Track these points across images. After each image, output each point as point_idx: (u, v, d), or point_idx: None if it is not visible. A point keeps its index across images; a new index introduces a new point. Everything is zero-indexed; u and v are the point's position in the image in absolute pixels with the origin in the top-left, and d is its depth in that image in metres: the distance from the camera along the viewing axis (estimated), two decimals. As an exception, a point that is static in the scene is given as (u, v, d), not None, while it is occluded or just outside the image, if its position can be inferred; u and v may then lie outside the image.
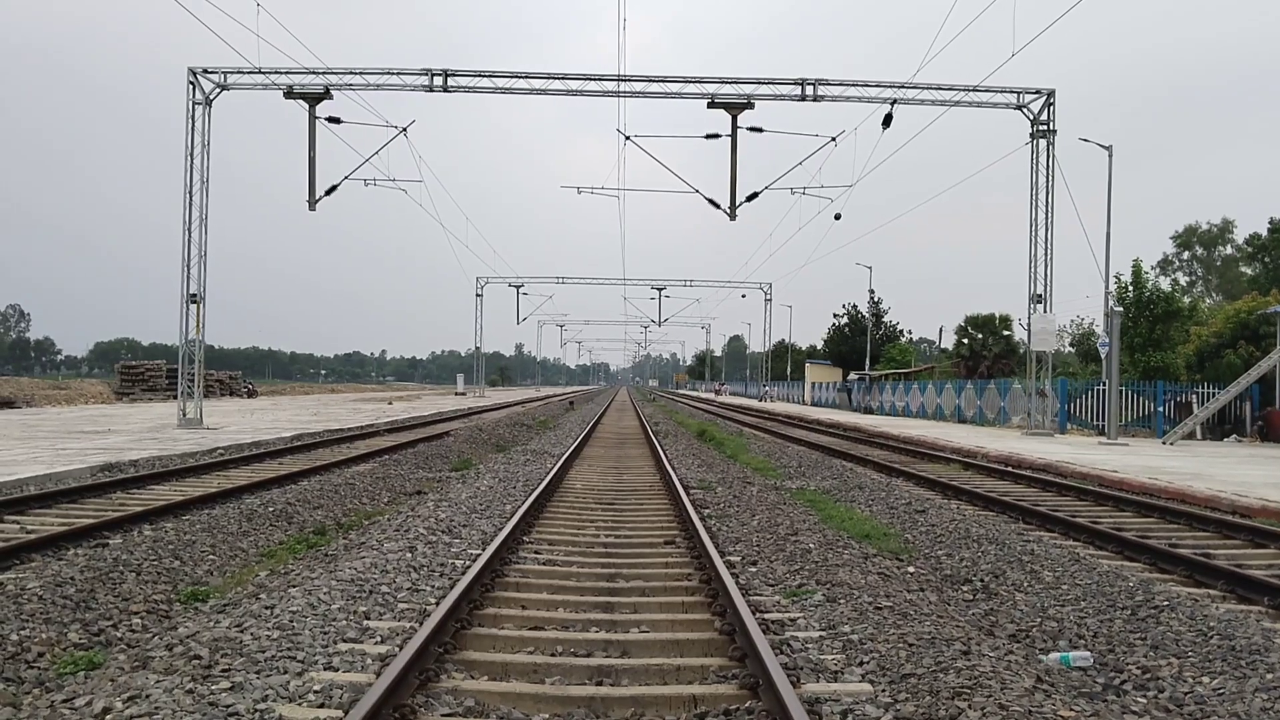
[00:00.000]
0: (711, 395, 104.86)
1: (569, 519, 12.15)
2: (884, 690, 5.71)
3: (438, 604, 7.32)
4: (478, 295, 74.66)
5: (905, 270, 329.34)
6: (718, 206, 27.12)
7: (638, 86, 28.01)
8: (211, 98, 28.05)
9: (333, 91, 27.94)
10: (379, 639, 6.62)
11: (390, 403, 55.04)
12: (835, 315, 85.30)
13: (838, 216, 32.27)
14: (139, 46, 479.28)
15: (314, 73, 28.13)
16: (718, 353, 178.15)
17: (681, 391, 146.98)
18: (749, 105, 26.67)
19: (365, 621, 6.98)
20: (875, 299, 77.77)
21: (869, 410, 53.12)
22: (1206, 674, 6.31)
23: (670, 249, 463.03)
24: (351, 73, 28.28)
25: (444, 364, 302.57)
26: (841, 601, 7.72)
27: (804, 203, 42.10)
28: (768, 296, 77.64)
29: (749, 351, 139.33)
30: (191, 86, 27.87)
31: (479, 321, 74.96)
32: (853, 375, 61.42)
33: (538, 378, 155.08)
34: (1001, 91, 29.06)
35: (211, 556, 9.55)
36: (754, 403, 73.39)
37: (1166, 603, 7.86)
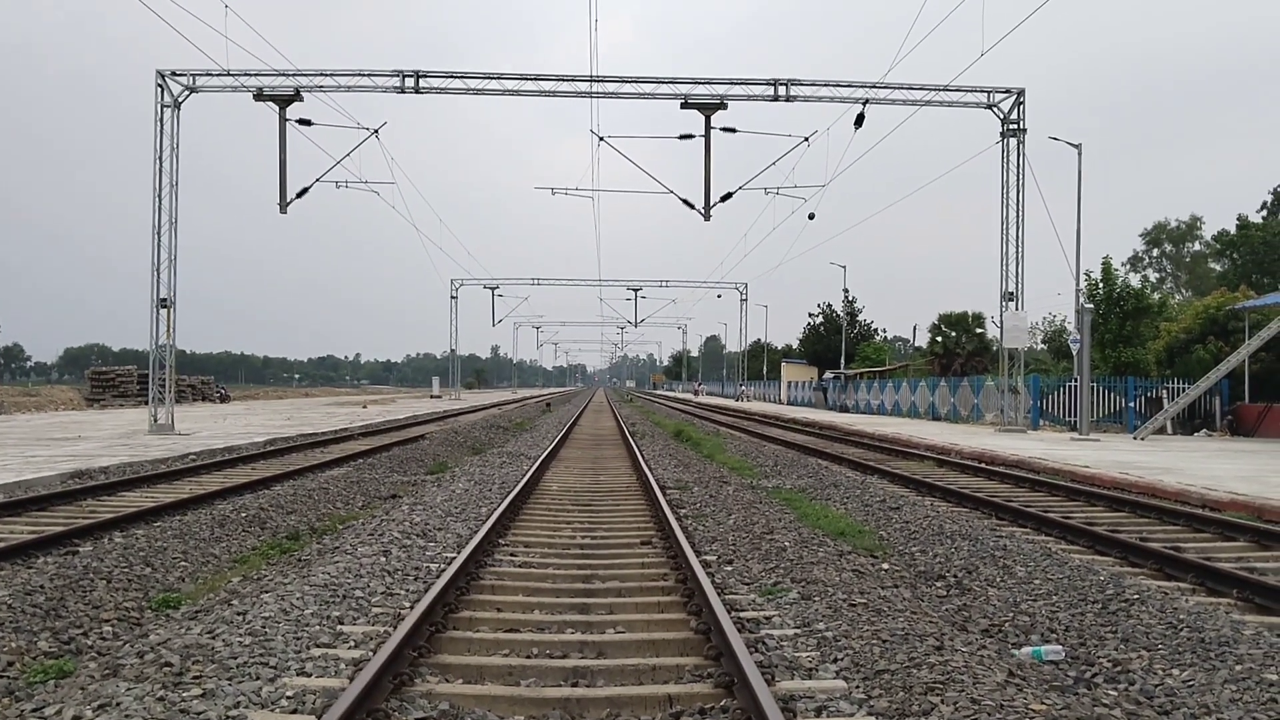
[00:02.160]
0: (690, 396, 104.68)
1: (545, 521, 12.12)
2: (858, 686, 5.75)
3: (412, 608, 7.29)
4: (452, 297, 74.59)
5: (879, 270, 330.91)
6: (692, 207, 27.17)
7: (610, 87, 28.03)
8: (180, 100, 27.83)
9: (303, 93, 27.79)
10: (352, 644, 6.59)
11: (365, 406, 54.56)
12: (810, 315, 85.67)
13: (811, 216, 32.53)
14: (115, 41, 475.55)
15: (283, 74, 27.97)
16: (695, 353, 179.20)
17: (659, 392, 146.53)
18: (722, 106, 26.76)
19: (339, 626, 6.94)
20: (850, 298, 78.31)
21: (845, 409, 53.29)
22: (1177, 666, 6.38)
23: (646, 250, 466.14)
24: (321, 74, 28.13)
25: (419, 367, 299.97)
26: (816, 599, 7.76)
27: (778, 203, 42.48)
28: (743, 296, 78.06)
29: (726, 351, 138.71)
30: (160, 89, 27.64)
31: (454, 324, 74.94)
32: (828, 374, 61.51)
33: (514, 380, 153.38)
34: (972, 91, 29.29)
35: (183, 563, 9.48)
36: (731, 402, 73.47)
37: (1137, 596, 7.95)
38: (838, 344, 68.26)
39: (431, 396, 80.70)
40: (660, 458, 20.75)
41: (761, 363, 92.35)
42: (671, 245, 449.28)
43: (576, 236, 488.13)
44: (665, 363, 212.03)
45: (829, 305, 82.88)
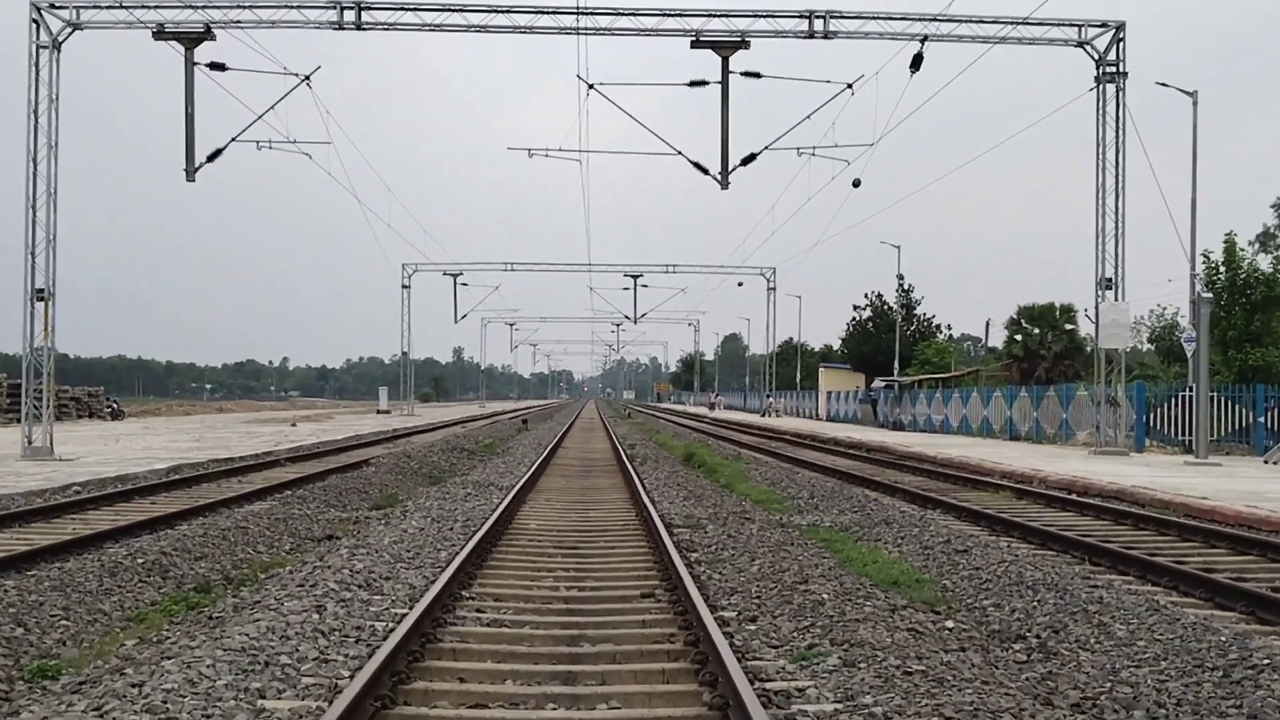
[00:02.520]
0: (704, 410, 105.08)
1: (521, 568, 12.12)
2: (915, 776, 5.74)
3: (352, 677, 7.29)
4: (404, 287, 74.05)
5: (942, 251, 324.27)
6: (706, 172, 27.28)
7: (602, 21, 28.08)
8: (60, 39, 27.87)
9: (215, 31, 27.86)
10: (277, 723, 6.59)
11: (294, 424, 54.80)
12: (856, 307, 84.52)
13: (856, 183, 32.42)
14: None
15: (191, 6, 28.04)
16: (709, 356, 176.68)
17: (664, 406, 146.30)
18: (743, 44, 26.85)
19: (260, 701, 6.94)
20: (905, 286, 76.88)
21: (899, 426, 53.40)
22: (1316, 749, 6.36)
23: (648, 228, 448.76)
24: (240, 6, 28.20)
25: (363, 374, 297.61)
26: (862, 665, 7.76)
27: (814, 166, 42.13)
28: (770, 284, 77.99)
29: (749, 354, 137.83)
30: (35, 25, 27.66)
31: (405, 320, 74.71)
32: (878, 382, 61.14)
33: (482, 390, 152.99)
34: (1059, 24, 29.34)
35: (64, 622, 9.47)
36: (756, 418, 73.53)
37: (1267, 661, 7.94)
38: (890, 343, 67.81)
39: (378, 412, 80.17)
40: (666, 488, 20.84)
41: (793, 368, 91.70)
42: (680, 222, 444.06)
43: (560, 211, 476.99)
44: (672, 368, 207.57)
45: (878, 295, 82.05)
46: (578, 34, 28.24)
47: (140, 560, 12.06)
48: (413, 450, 31.24)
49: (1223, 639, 8.59)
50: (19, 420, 29.37)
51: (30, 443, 27.40)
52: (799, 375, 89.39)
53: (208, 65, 27.66)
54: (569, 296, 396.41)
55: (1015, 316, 65.97)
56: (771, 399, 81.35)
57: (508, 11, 28.08)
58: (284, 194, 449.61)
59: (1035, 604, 10.01)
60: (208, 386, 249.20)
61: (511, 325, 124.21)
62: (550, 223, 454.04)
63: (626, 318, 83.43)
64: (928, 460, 28.70)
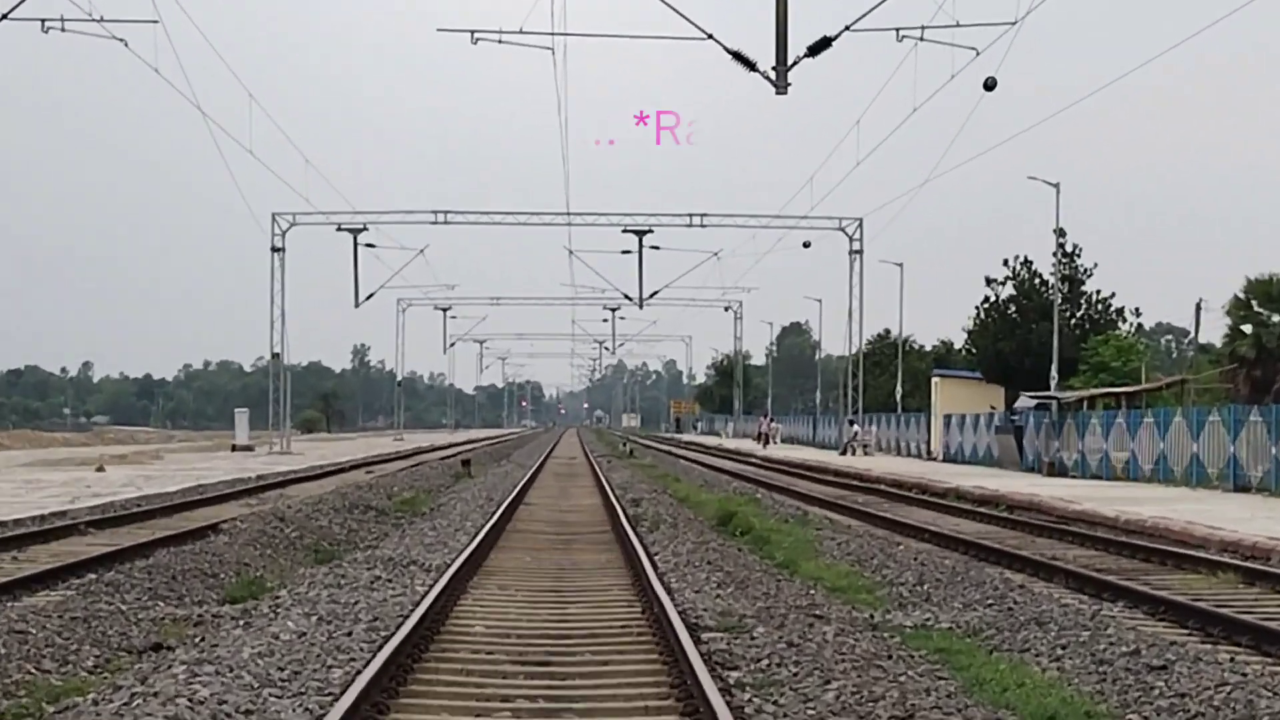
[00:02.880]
0: (752, 442, 78.76)
1: (459, 698, 8.77)
2: None
3: None
4: (276, 250, 55.43)
5: (1123, 195, 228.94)
6: (752, 68, 21.45)
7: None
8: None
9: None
10: None
11: (101, 468, 40.89)
12: (989, 281, 59.54)
13: (989, 84, 25.82)
14: None
15: None
16: (758, 358, 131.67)
17: (688, 438, 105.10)
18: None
19: None
20: (1068, 249, 55.64)
21: (1058, 468, 40.39)
22: None
23: (660, 160, 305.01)
24: None
25: (210, 389, 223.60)
26: None
27: (922, 57, 28.31)
28: (855, 245, 57.62)
29: (821, 356, 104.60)
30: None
31: (277, 303, 54.90)
32: (1025, 399, 45.71)
33: (398, 414, 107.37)
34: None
35: None
36: (832, 456, 55.59)
37: None
38: (1044, 338, 49.50)
39: (234, 447, 57.62)
40: (691, 567, 16.47)
41: (891, 377, 66.26)
42: (712, 151, 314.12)
43: (524, 135, 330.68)
44: (699, 378, 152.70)
45: (1025, 263, 58.81)
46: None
47: None
48: (289, 509, 23.99)
49: None
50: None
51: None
52: (899, 388, 63.42)
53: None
54: (538, 267, 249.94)
55: (1242, 296, 44.62)
56: (858, 427, 60.01)
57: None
58: (85, 107, 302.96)
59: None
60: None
61: (445, 311, 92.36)
62: (508, 152, 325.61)
63: (628, 298, 62.77)
64: (1103, 523, 22.99)
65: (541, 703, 8.61)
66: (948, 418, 52.88)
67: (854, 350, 61.67)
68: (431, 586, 13.36)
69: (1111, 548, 20.07)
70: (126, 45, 26.42)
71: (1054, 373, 43.88)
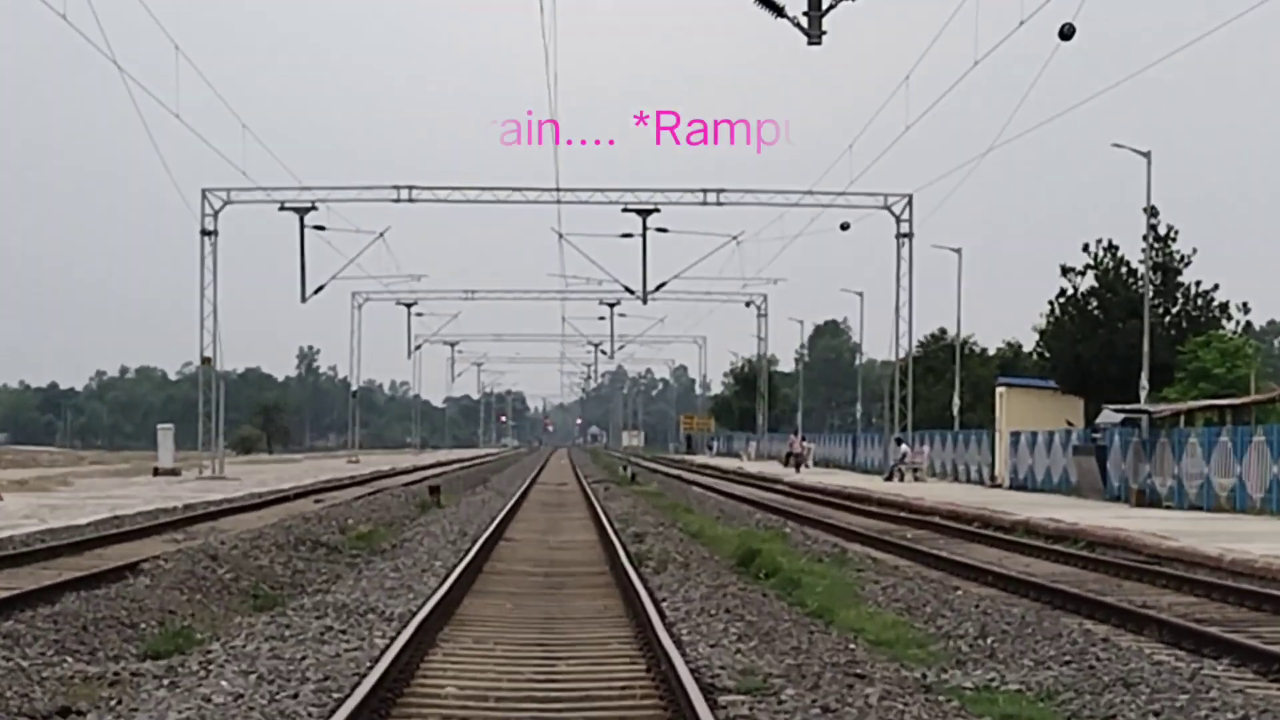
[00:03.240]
0: (779, 465, 69.48)
1: None
2: None
3: None
4: (206, 233, 49.87)
5: (1225, 169, 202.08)
6: (780, 13, 19.92)
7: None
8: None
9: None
10: None
11: None
12: (1065, 271, 52.09)
13: (1066, 32, 23.83)
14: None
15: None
16: (787, 364, 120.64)
17: (700, 460, 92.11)
18: None
19: None
20: (1162, 233, 49.08)
21: (1148, 498, 36.43)
22: None
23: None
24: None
25: (127, 400, 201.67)
26: None
27: (981, 4, 26.84)
28: (902, 228, 51.87)
29: (863, 361, 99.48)
30: None
31: (208, 297, 49.52)
32: (1108, 413, 40.77)
33: (352, 430, 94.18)
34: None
35: None
36: (875, 482, 50.21)
37: None
38: (1131, 339, 43.50)
39: (157, 471, 52.54)
40: (707, 616, 14.74)
41: (948, 386, 59.90)
42: (729, 113, 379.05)
43: (507, 95, 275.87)
44: (716, 388, 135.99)
45: (1108, 247, 51.14)
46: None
47: None
48: (223, 545, 21.81)
49: None
50: None
51: None
52: (957, 401, 56.83)
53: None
54: (521, 255, 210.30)
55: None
56: (906, 447, 53.80)
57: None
58: None
59: None
60: None
61: (410, 306, 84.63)
62: (484, 114, 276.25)
63: (629, 292, 57.95)
64: (1203, 564, 20.75)
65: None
66: (1015, 436, 48.33)
67: (902, 354, 56.04)
68: (394, 639, 12.14)
69: (1214, 593, 18.13)
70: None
71: (1144, 381, 39.44)
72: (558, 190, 53.21)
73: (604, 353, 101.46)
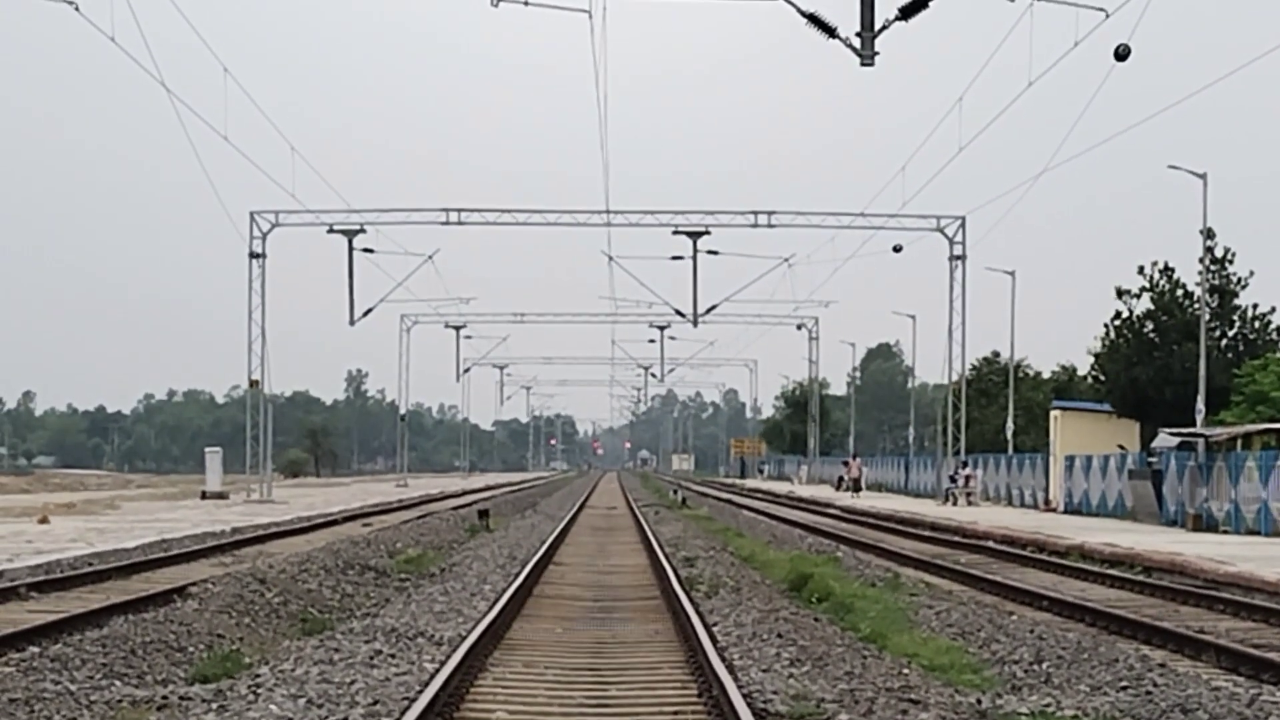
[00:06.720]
0: (830, 488, 71.85)
1: None
2: None
3: None
4: (255, 256, 49.62)
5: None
6: (832, 34, 19.58)
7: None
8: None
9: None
10: None
11: (45, 519, 37.13)
12: (1120, 294, 51.67)
13: (1122, 53, 23.34)
14: None
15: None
16: (838, 387, 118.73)
17: (752, 484, 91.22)
18: None
19: None
20: (1219, 255, 48.37)
21: (1205, 522, 36.11)
22: None
23: (718, 145, 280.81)
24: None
25: (175, 424, 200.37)
26: None
27: (1037, 21, 25.36)
28: (956, 249, 51.82)
29: (913, 384, 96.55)
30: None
31: (256, 320, 49.02)
32: (1165, 437, 39.90)
33: (402, 454, 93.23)
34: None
35: None
36: (929, 506, 50.34)
37: None
38: (1184, 363, 45.12)
39: (205, 495, 51.06)
40: (759, 640, 14.48)
41: (1002, 410, 59.67)
42: (778, 136, 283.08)
43: (557, 121, 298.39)
44: (767, 411, 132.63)
45: (1164, 270, 50.75)
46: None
47: None
48: (271, 569, 21.38)
49: None
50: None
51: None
52: (1010, 425, 56.11)
53: None
54: (570, 277, 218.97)
55: None
56: (967, 470, 53.38)
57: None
58: (26, 89, 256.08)
59: None
60: None
61: (458, 329, 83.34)
62: (539, 143, 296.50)
63: (679, 314, 57.42)
64: (1261, 589, 20.15)
65: None
66: (1070, 460, 47.31)
67: (954, 378, 55.37)
68: (443, 664, 12.04)
69: (1272, 618, 17.57)
70: (77, 9, 23.94)
71: (1200, 405, 38.13)
72: (607, 213, 52.71)
73: (654, 376, 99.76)
